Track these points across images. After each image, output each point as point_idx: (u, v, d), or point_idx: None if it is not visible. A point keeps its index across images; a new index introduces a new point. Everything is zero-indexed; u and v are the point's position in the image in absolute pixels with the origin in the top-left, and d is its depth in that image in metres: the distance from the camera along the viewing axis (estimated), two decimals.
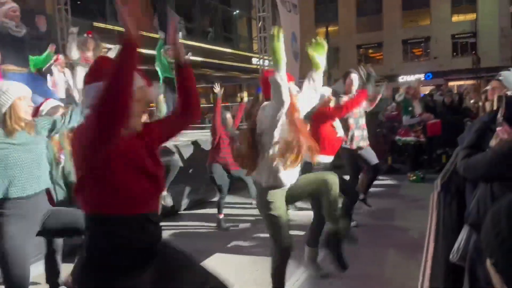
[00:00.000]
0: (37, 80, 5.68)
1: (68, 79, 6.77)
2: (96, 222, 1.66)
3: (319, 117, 4.23)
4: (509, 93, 2.03)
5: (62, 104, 3.58)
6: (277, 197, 2.89)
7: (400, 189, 7.48)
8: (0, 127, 2.66)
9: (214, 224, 5.60)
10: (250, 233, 5.27)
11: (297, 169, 2.94)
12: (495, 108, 2.13)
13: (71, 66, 6.46)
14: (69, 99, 6.55)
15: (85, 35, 6.57)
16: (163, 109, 5.18)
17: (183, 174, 6.09)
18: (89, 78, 1.72)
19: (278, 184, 2.88)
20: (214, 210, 5.78)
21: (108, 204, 1.63)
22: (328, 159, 4.27)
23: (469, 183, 2.22)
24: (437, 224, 1.59)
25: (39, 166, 2.80)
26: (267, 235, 3.05)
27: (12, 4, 5.29)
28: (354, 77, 4.95)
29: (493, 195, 1.85)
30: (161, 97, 5.49)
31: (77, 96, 6.10)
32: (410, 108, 7.81)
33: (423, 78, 30.82)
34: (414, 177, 7.90)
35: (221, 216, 5.54)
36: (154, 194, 1.77)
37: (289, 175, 2.92)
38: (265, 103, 2.89)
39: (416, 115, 7.98)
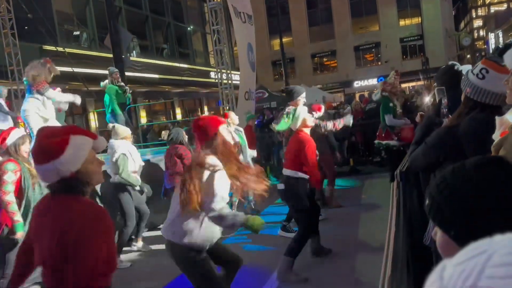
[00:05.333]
0: None
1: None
2: None
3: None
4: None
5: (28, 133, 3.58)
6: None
7: (364, 190, 7.65)
8: None
9: None
10: None
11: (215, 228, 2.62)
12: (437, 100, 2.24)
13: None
14: None
15: (42, 61, 6.25)
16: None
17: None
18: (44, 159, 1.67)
19: (195, 246, 2.55)
20: None
21: None
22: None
23: (423, 173, 2.32)
24: (397, 210, 1.64)
25: None
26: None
27: None
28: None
29: None
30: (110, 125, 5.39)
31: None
32: (391, 105, 6.57)
33: (376, 82, 31.93)
34: None
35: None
36: None
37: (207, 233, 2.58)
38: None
39: (398, 114, 6.73)
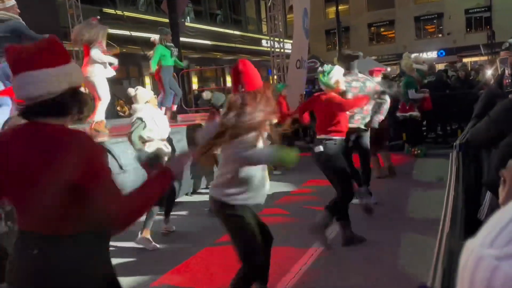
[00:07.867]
0: None
1: None
2: None
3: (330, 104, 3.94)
4: None
5: None
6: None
7: (416, 166, 7.44)
8: None
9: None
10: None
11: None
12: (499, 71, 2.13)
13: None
14: None
15: (92, 21, 6.29)
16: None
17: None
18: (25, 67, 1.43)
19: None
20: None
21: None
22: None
23: (484, 150, 2.23)
24: (456, 179, 1.61)
25: None
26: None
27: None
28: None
29: (503, 158, 1.86)
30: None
31: None
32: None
33: (436, 56, 30.28)
34: (419, 151, 7.89)
35: None
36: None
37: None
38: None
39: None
